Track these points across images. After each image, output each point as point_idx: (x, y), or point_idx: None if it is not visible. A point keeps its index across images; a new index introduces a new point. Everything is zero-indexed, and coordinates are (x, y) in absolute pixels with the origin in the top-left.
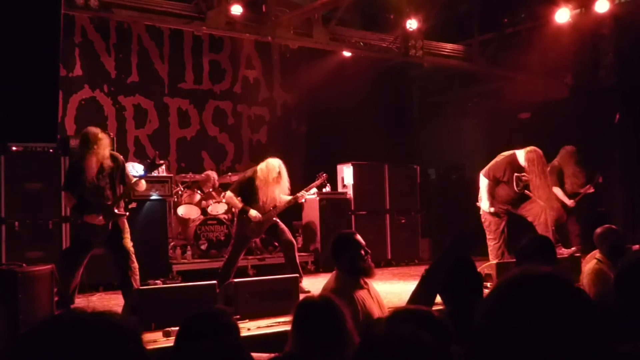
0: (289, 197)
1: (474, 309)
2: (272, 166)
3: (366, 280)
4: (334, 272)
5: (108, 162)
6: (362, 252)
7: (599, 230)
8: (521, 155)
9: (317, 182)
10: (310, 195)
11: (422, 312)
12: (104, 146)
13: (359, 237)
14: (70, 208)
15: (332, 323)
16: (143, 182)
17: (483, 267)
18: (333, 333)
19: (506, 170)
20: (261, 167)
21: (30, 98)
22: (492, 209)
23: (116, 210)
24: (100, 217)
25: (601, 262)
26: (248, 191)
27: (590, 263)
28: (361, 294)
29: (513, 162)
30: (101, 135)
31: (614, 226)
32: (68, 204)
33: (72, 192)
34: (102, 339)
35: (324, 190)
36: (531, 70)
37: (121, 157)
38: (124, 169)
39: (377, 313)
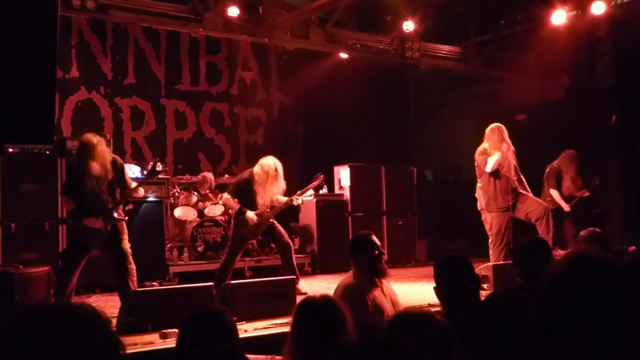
0: (286, 199)
1: (471, 310)
2: (268, 165)
3: (381, 279)
4: (351, 271)
5: (108, 167)
6: (377, 252)
7: (583, 233)
8: (485, 140)
9: (315, 183)
10: (307, 197)
11: (424, 315)
12: (104, 153)
13: (374, 238)
14: (68, 212)
15: (333, 323)
16: (141, 188)
17: (480, 269)
18: (333, 333)
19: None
20: (256, 169)
21: (26, 100)
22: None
23: (115, 214)
24: (100, 221)
25: None
26: (245, 193)
27: None
28: (375, 292)
29: (487, 151)
30: (100, 143)
31: (598, 229)
32: (67, 208)
33: (71, 196)
34: (63, 330)
35: (321, 192)
36: (528, 71)
37: (120, 160)
38: (123, 172)
39: (389, 311)
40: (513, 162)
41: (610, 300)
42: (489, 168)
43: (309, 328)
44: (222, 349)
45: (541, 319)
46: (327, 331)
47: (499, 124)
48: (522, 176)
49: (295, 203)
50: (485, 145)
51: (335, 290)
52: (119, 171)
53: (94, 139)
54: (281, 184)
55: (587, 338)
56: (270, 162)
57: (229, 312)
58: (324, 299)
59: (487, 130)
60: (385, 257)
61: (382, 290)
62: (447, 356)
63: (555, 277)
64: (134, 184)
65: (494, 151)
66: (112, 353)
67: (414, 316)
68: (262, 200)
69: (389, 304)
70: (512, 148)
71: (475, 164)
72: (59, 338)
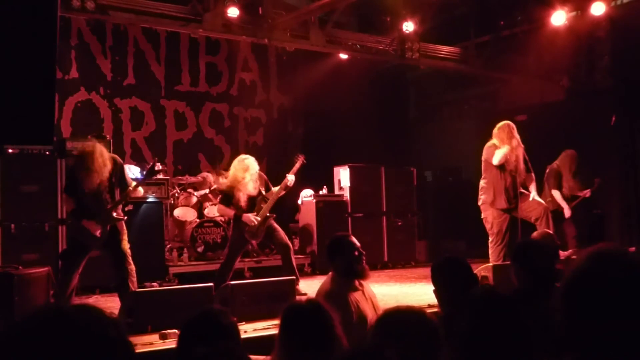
0: (277, 188)
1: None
2: (235, 168)
3: (361, 281)
4: (330, 274)
5: (107, 167)
6: (356, 253)
7: (535, 234)
8: (494, 136)
9: (297, 165)
10: (307, 197)
11: (413, 314)
12: (104, 154)
13: (353, 239)
14: (68, 212)
15: (320, 328)
16: (140, 188)
17: (480, 270)
18: (320, 338)
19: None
20: (229, 176)
21: (26, 100)
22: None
23: (114, 214)
24: (98, 227)
25: None
26: (233, 199)
27: None
28: (356, 296)
29: (495, 145)
30: (99, 152)
31: (550, 230)
32: (67, 208)
33: (72, 196)
34: (83, 327)
35: (321, 192)
36: (527, 72)
37: (120, 159)
38: (122, 172)
39: (371, 315)
40: (522, 159)
41: (632, 296)
42: (495, 160)
43: (296, 332)
44: (225, 349)
45: (564, 314)
46: (313, 335)
47: (508, 122)
48: (532, 174)
49: (290, 183)
50: (494, 141)
51: (316, 297)
52: (119, 171)
53: (97, 149)
54: (255, 176)
55: (608, 334)
56: (235, 163)
57: (229, 312)
58: (311, 303)
59: (496, 128)
60: (365, 257)
61: (363, 293)
62: (435, 354)
63: (578, 273)
64: (133, 184)
65: (503, 145)
66: (128, 350)
67: (403, 314)
68: (244, 200)
69: (370, 307)
70: (522, 145)
71: (483, 159)
72: (79, 334)
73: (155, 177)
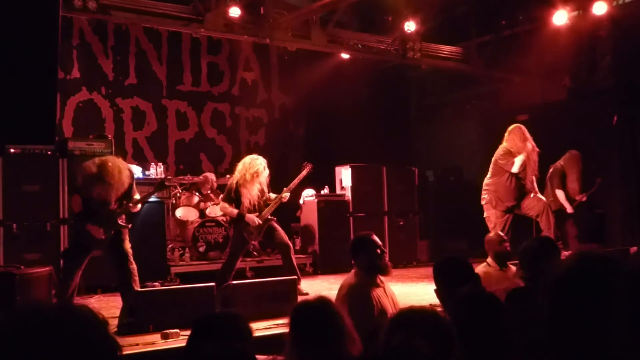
0: (275, 196)
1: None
2: (243, 165)
3: (382, 279)
4: (353, 270)
5: (121, 177)
6: (378, 251)
7: (490, 235)
8: (506, 141)
9: (304, 173)
10: (308, 197)
11: (427, 313)
12: (117, 167)
13: (375, 237)
14: (74, 213)
15: (329, 324)
16: (139, 206)
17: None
18: (330, 334)
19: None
20: (237, 174)
21: (28, 100)
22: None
23: (119, 221)
24: (101, 232)
25: (489, 266)
26: (237, 198)
27: (479, 266)
28: (377, 291)
29: (511, 152)
30: (119, 169)
31: (500, 232)
32: (75, 208)
33: (82, 197)
34: (62, 329)
35: (322, 192)
36: (529, 72)
37: (133, 171)
38: (133, 183)
39: (391, 311)
40: (537, 163)
41: (614, 297)
42: (515, 169)
43: (304, 330)
44: (233, 348)
45: (549, 314)
46: (322, 333)
47: (519, 125)
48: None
49: (284, 199)
50: (505, 145)
51: (340, 290)
52: (130, 182)
53: (117, 165)
54: (264, 176)
55: (592, 333)
56: (247, 160)
57: (246, 318)
58: (319, 301)
59: (507, 132)
60: (387, 256)
61: (384, 290)
62: (449, 353)
63: (563, 274)
64: (137, 196)
65: (518, 152)
66: (110, 353)
67: (417, 313)
68: (250, 198)
69: (391, 303)
70: (537, 149)
71: (493, 161)
72: (57, 337)
73: (163, 191)
